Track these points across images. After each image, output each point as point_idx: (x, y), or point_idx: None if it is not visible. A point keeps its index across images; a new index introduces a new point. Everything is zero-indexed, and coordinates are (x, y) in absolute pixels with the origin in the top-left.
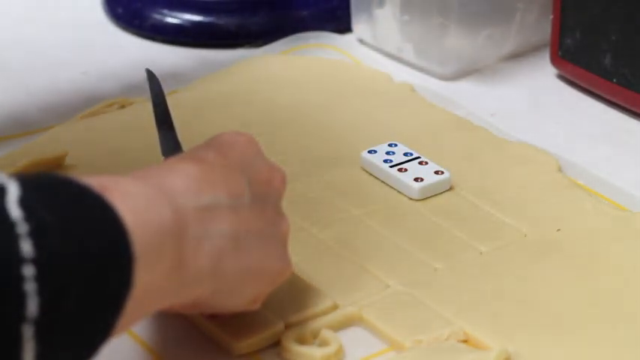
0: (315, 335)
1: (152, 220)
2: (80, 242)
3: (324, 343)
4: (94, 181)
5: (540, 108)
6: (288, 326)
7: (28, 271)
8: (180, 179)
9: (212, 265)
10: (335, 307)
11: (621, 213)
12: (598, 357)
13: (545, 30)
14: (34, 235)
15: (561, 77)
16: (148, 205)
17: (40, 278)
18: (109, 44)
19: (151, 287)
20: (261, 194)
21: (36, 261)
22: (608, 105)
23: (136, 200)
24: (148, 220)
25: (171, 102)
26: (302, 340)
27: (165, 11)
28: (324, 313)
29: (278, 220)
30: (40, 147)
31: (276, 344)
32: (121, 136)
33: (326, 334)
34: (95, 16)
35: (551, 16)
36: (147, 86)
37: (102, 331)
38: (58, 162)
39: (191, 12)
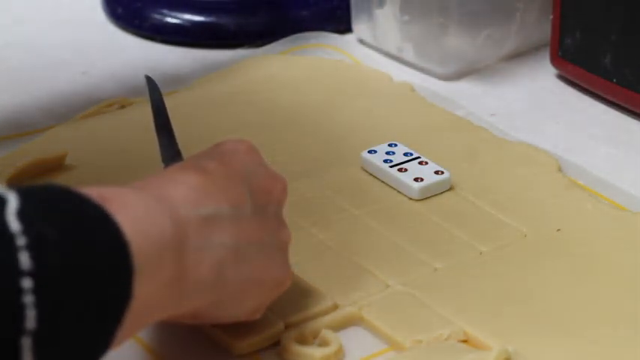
0: (315, 335)
1: (152, 231)
2: (79, 254)
3: (324, 343)
4: (94, 192)
5: (540, 108)
6: (288, 326)
7: (27, 283)
8: (181, 190)
9: (213, 276)
10: (335, 307)
11: (621, 213)
12: (598, 357)
13: (545, 30)
14: (33, 247)
15: (561, 77)
16: (149, 216)
17: (38, 290)
18: (109, 44)
19: (151, 299)
20: (262, 204)
21: (34, 273)
22: (608, 105)
23: (137, 211)
24: (149, 232)
25: (171, 102)
26: (302, 340)
27: (165, 11)
28: (324, 313)
29: (279, 229)
30: (40, 147)
31: (276, 344)
32: (121, 136)
33: (326, 334)
34: (95, 16)
35: (551, 16)
36: (147, 86)
37: (101, 342)
38: (58, 162)
39: (191, 12)
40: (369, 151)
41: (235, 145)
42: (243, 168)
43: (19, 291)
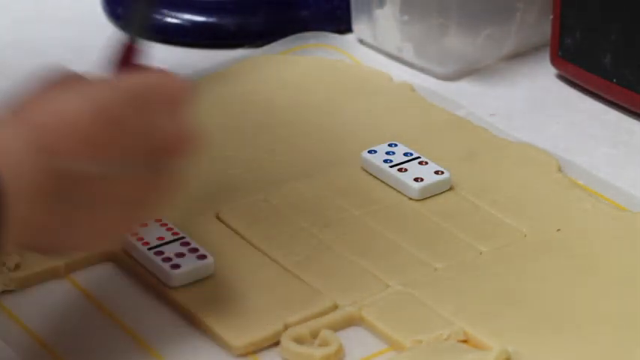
0: (314, 335)
1: (17, 177)
2: None
3: (323, 343)
4: None
5: (540, 108)
6: (287, 326)
7: None
8: (64, 133)
9: (60, 228)
10: (335, 307)
11: (621, 213)
12: (598, 357)
13: (545, 30)
14: None
15: (561, 77)
16: (17, 160)
17: None
18: (109, 44)
19: None
20: (157, 161)
21: None
22: (608, 105)
23: (5, 151)
24: (12, 177)
25: None
26: (302, 340)
27: (165, 11)
28: (324, 313)
29: (160, 186)
30: None
31: (276, 344)
32: None
33: (326, 334)
34: (95, 16)
35: (551, 16)
36: None
37: None
38: None
39: (191, 12)
40: (369, 151)
41: (160, 87)
42: (152, 119)
43: None
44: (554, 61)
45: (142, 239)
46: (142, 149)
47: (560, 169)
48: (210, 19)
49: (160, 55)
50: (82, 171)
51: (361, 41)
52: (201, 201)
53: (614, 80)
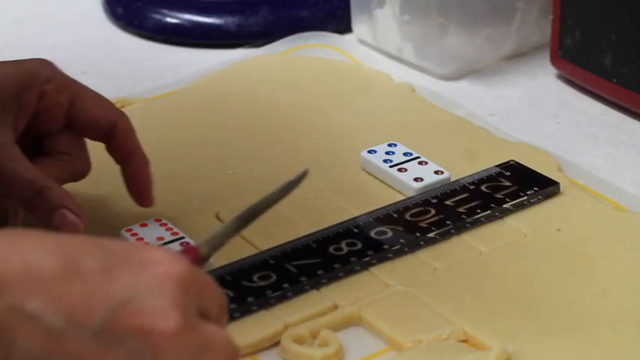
0: (314, 335)
1: None
2: None
3: (323, 343)
4: None
5: (540, 108)
6: (287, 326)
7: None
8: (32, 272)
9: None
10: (334, 307)
11: (621, 213)
12: (598, 357)
13: (545, 30)
14: None
15: (561, 77)
16: None
17: None
18: (109, 44)
19: None
20: (119, 336)
21: None
22: (608, 105)
23: None
24: None
25: (171, 102)
26: (301, 341)
27: (165, 11)
28: (324, 313)
29: None
30: None
31: (276, 344)
32: None
33: (326, 334)
34: (95, 16)
35: (551, 16)
36: (145, 86)
37: None
38: None
39: (191, 12)
40: (369, 151)
41: (158, 268)
42: (133, 290)
43: None
44: (554, 61)
45: (141, 239)
46: (96, 314)
47: (560, 169)
48: (210, 19)
49: (160, 55)
50: (34, 314)
51: (361, 41)
52: (201, 201)
53: (614, 80)
